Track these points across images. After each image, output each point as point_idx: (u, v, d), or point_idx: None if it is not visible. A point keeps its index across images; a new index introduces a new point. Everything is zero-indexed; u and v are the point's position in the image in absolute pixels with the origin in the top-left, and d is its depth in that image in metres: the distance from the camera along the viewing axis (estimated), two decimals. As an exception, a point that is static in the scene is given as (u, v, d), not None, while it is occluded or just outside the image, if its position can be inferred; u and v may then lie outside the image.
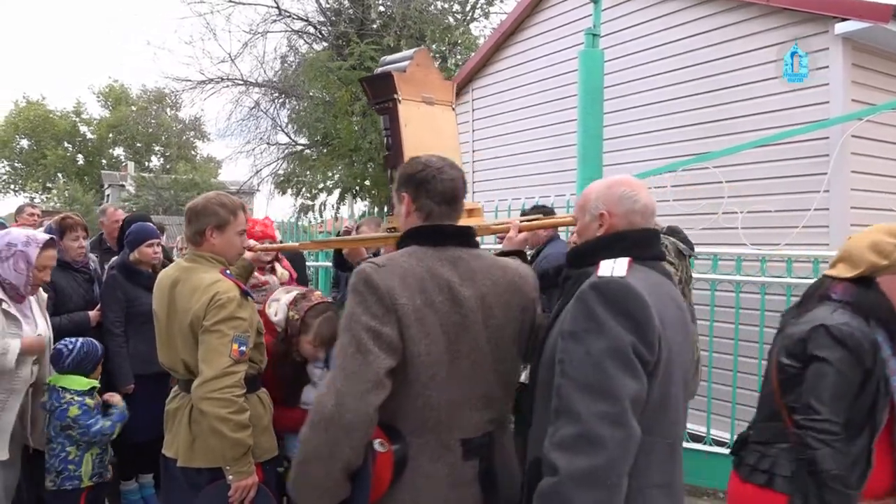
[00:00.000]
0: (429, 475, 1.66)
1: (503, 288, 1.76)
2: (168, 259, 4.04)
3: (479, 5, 14.53)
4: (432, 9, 13.76)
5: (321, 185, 13.71)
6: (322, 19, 14.47)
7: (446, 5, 14.25)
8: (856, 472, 1.94)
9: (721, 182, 4.66)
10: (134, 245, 3.70)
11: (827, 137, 4.43)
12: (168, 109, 36.72)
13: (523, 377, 1.88)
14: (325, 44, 14.25)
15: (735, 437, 4.32)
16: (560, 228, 3.76)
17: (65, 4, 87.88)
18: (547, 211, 3.99)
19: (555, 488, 1.39)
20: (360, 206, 13.52)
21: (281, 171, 15.06)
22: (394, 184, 1.89)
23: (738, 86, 4.94)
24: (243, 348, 2.27)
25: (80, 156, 39.69)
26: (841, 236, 4.28)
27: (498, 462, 1.75)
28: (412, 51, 2.64)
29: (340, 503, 1.63)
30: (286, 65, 15.01)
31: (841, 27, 4.35)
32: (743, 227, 4.48)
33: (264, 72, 14.89)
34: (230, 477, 2.24)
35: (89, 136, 39.98)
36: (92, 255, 4.14)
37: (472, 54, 9.30)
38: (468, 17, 14.44)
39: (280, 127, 15.28)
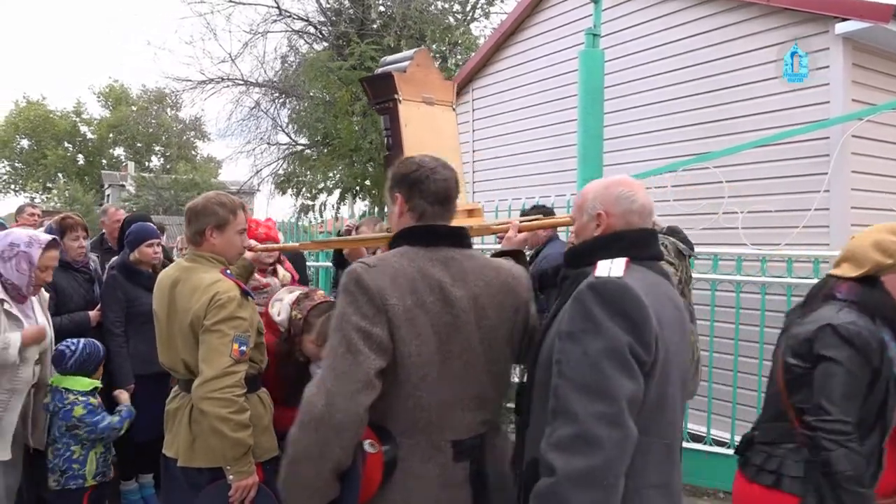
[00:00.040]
0: (419, 476, 1.66)
1: (496, 289, 1.75)
2: (168, 259, 4.05)
3: (479, 5, 14.52)
4: (432, 9, 13.75)
5: (321, 185, 13.70)
6: (322, 19, 14.47)
7: (446, 5, 14.24)
8: (868, 471, 1.93)
9: (721, 182, 4.66)
10: (134, 245, 3.71)
11: (827, 137, 4.42)
12: (168, 109, 36.77)
13: (514, 377, 1.88)
14: (325, 44, 14.25)
15: (735, 437, 4.35)
16: (560, 228, 3.76)
17: (65, 4, 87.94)
18: (546, 211, 3.99)
19: (552, 489, 1.39)
20: (361, 206, 13.52)
21: (281, 171, 15.04)
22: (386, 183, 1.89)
23: (738, 86, 4.93)
24: (244, 348, 2.27)
25: (80, 156, 39.73)
26: (841, 236, 4.28)
27: (489, 464, 1.75)
28: (413, 51, 2.64)
29: (329, 503, 1.63)
30: (286, 65, 15.00)
31: (841, 27, 4.34)
32: (743, 227, 4.48)
33: (265, 72, 14.91)
34: (231, 477, 2.25)
35: (89, 136, 40.02)
36: (92, 255, 4.14)
37: (473, 54, 9.30)
38: (468, 17, 14.43)
39: (280, 127, 15.28)
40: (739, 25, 4.96)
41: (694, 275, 4.13)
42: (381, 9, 13.48)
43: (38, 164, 37.37)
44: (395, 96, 2.46)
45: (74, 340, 3.05)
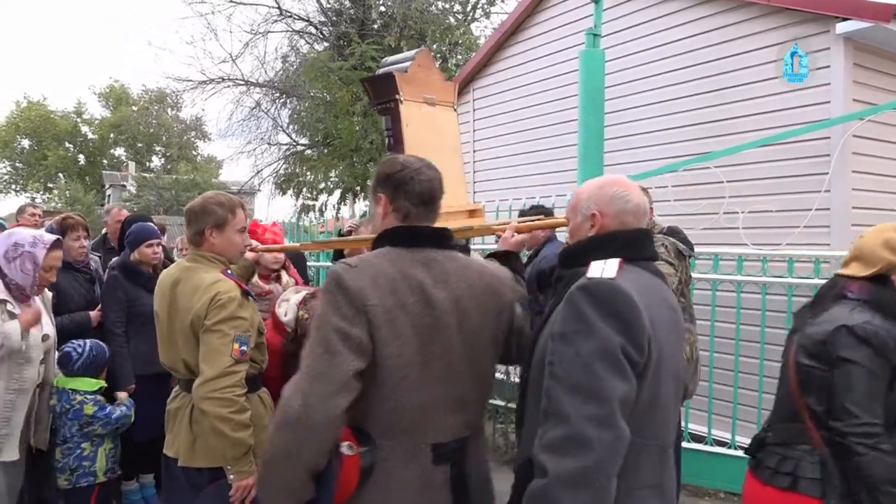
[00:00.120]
0: (399, 478, 1.64)
1: (479, 290, 1.74)
2: (169, 259, 4.04)
3: (479, 5, 14.53)
4: (433, 9, 13.76)
5: (322, 186, 13.72)
6: (323, 19, 14.49)
7: (447, 5, 14.26)
8: None
9: (722, 182, 4.66)
10: (134, 245, 3.71)
11: (828, 137, 4.42)
12: (169, 109, 36.72)
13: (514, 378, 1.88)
14: (325, 44, 14.26)
15: (736, 437, 4.36)
16: (559, 228, 3.76)
17: (65, 4, 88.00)
18: (546, 211, 4.00)
19: (543, 490, 1.39)
20: (361, 206, 13.52)
21: (282, 172, 15.06)
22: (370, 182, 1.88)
23: (739, 86, 4.93)
24: (244, 348, 2.27)
25: (81, 156, 39.73)
26: (842, 236, 4.28)
27: (470, 467, 1.74)
28: (414, 51, 2.65)
29: None
30: (287, 65, 15.02)
31: (842, 27, 4.34)
32: (744, 227, 4.48)
33: (265, 72, 14.93)
34: (231, 477, 2.25)
35: (90, 136, 40.01)
36: (93, 255, 4.15)
37: (473, 54, 9.31)
38: (469, 17, 14.45)
39: (281, 127, 15.29)
40: (740, 25, 4.96)
41: (695, 275, 4.14)
42: (382, 9, 13.49)
43: (39, 164, 37.37)
44: (397, 97, 2.47)
45: (81, 342, 3.06)
